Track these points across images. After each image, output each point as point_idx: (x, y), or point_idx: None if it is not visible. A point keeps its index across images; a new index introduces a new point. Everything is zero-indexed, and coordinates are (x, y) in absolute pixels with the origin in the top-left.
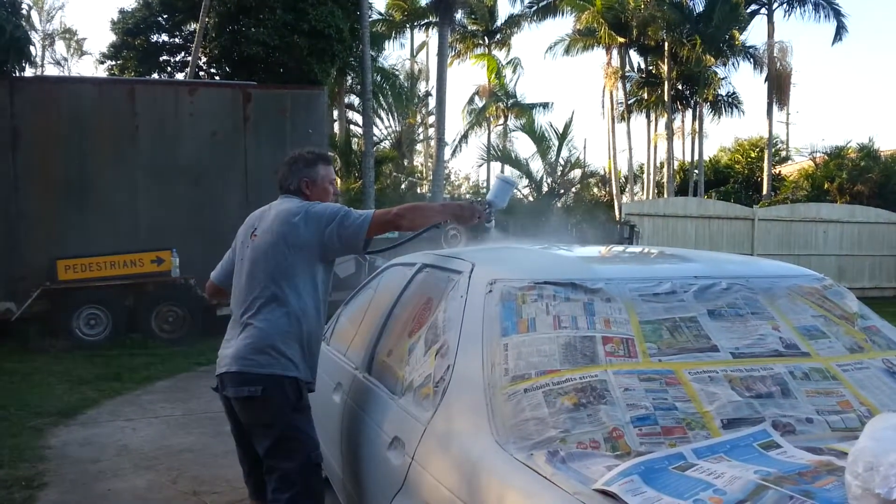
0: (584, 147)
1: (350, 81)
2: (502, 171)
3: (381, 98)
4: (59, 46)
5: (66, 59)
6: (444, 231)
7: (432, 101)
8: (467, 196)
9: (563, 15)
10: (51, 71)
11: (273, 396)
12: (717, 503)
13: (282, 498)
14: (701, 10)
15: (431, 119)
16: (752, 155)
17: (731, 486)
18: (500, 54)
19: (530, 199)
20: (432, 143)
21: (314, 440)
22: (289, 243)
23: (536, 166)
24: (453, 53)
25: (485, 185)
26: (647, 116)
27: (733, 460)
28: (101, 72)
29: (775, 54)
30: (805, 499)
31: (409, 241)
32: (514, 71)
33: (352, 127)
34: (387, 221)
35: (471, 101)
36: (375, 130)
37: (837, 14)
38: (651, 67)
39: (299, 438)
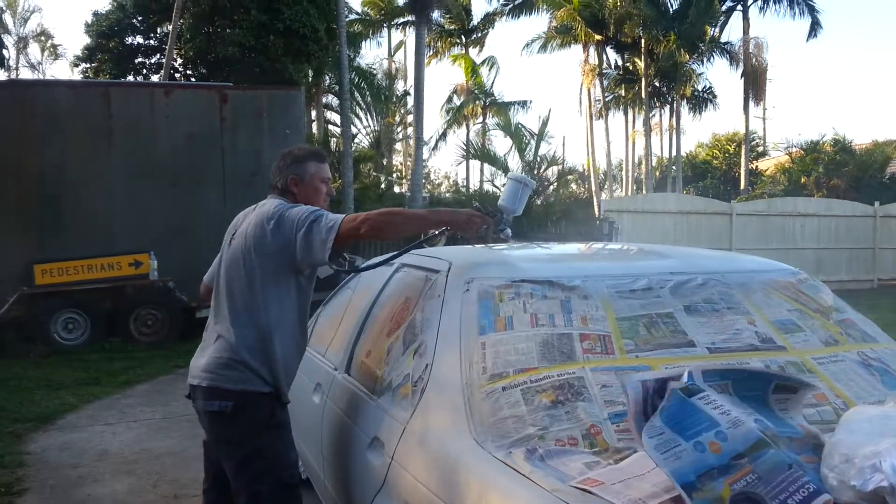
0: (563, 144)
1: (328, 81)
2: (481, 169)
3: (359, 97)
4: (34, 49)
5: (40, 63)
6: (425, 231)
7: (410, 100)
8: (447, 195)
9: (539, 13)
10: (25, 74)
11: (244, 413)
12: (717, 451)
13: None
14: (676, 6)
15: (410, 118)
16: (730, 150)
17: (734, 430)
18: (476, 53)
19: None
20: (411, 142)
21: (287, 460)
22: (258, 250)
23: (515, 164)
24: (430, 52)
25: (464, 183)
26: (625, 113)
27: (734, 396)
28: (76, 74)
29: (751, 50)
30: (802, 472)
31: (391, 260)
32: (490, 69)
33: (330, 127)
34: (355, 229)
35: (449, 99)
36: (354, 130)
37: (812, 10)
38: (628, 64)
39: (269, 458)
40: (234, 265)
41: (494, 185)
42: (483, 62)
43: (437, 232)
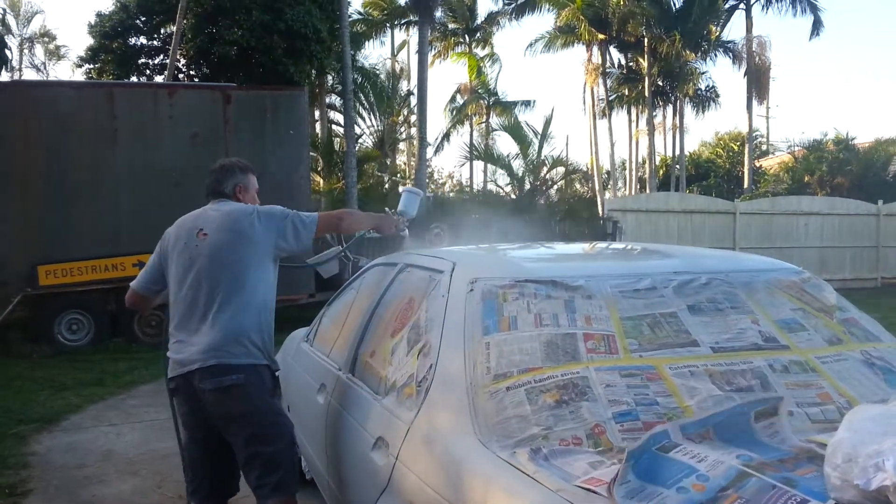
0: (567, 144)
1: (331, 81)
2: (485, 169)
3: (362, 97)
4: (38, 51)
5: (44, 64)
6: (430, 230)
7: (414, 100)
8: (451, 195)
9: (542, 12)
10: (29, 75)
11: (254, 384)
12: (700, 490)
13: (270, 482)
14: (680, 5)
15: (414, 118)
16: (733, 149)
17: (714, 470)
18: (481, 53)
19: (513, 196)
20: (415, 141)
21: (290, 421)
22: (247, 239)
23: (518, 164)
24: (434, 52)
25: (468, 183)
26: (629, 112)
27: (717, 440)
28: (79, 75)
29: (754, 49)
30: (787, 488)
31: (342, 251)
32: (492, 65)
33: (334, 127)
34: (330, 223)
35: (452, 99)
36: (357, 130)
37: (814, 9)
38: (631, 63)
39: (281, 422)
40: (219, 255)
41: (498, 185)
42: (485, 57)
43: (370, 231)
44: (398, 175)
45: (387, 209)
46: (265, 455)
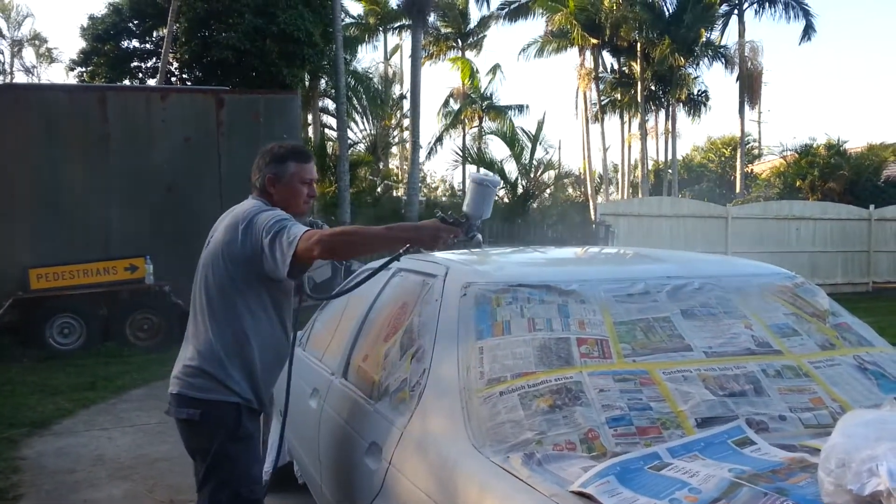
0: (559, 148)
1: (324, 85)
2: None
3: (355, 101)
4: (28, 53)
5: (35, 67)
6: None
7: (407, 104)
8: (443, 199)
9: (534, 17)
10: (20, 78)
11: (209, 423)
12: (693, 501)
13: None
14: (672, 10)
15: (407, 122)
16: (725, 154)
17: (706, 484)
18: (474, 57)
19: (506, 200)
20: (408, 145)
21: (249, 475)
22: (226, 255)
23: (511, 168)
24: (427, 56)
25: (460, 187)
26: (621, 117)
27: (707, 459)
28: (72, 78)
29: (746, 54)
30: (778, 496)
31: (355, 287)
32: (494, 76)
33: (326, 131)
34: (308, 250)
35: (446, 103)
36: (350, 134)
37: (806, 13)
38: (624, 68)
39: (231, 470)
40: (203, 269)
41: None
42: (489, 71)
43: (402, 251)
44: (391, 179)
45: (438, 212)
46: (210, 499)
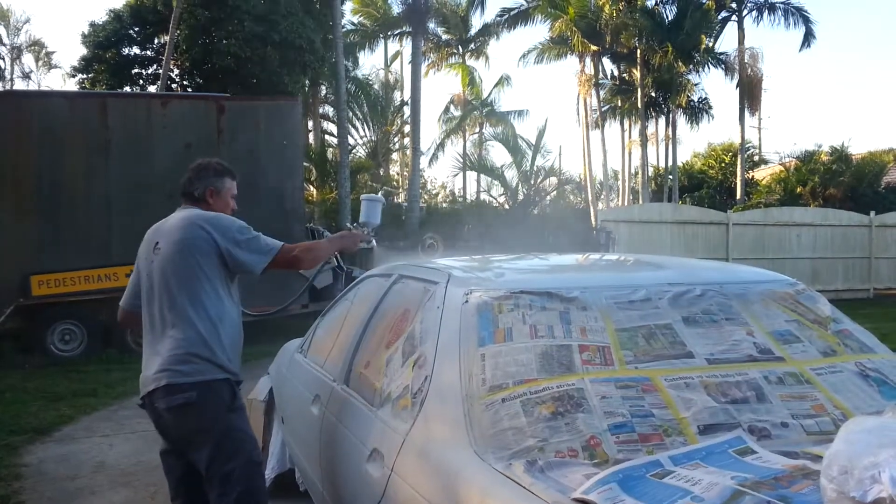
0: (560, 154)
1: (325, 91)
2: (478, 179)
3: (356, 108)
4: (28, 59)
5: (32, 72)
6: (423, 241)
7: (408, 111)
8: (444, 205)
9: (535, 23)
10: (19, 84)
11: (206, 401)
12: None
13: (228, 501)
14: (672, 17)
15: (407, 128)
16: (726, 160)
17: (709, 492)
18: (476, 64)
19: (506, 207)
20: (408, 152)
21: (253, 438)
22: (195, 249)
23: (512, 174)
24: (428, 62)
25: (460, 193)
26: (621, 123)
27: (710, 466)
28: (72, 85)
29: (746, 60)
30: (781, 503)
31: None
32: (502, 87)
33: (327, 137)
34: (288, 259)
35: (446, 110)
36: (351, 140)
37: (806, 20)
38: (624, 75)
39: (239, 438)
40: (171, 267)
41: (491, 196)
42: (498, 82)
43: (336, 257)
44: (392, 185)
45: (349, 224)
46: (222, 473)
